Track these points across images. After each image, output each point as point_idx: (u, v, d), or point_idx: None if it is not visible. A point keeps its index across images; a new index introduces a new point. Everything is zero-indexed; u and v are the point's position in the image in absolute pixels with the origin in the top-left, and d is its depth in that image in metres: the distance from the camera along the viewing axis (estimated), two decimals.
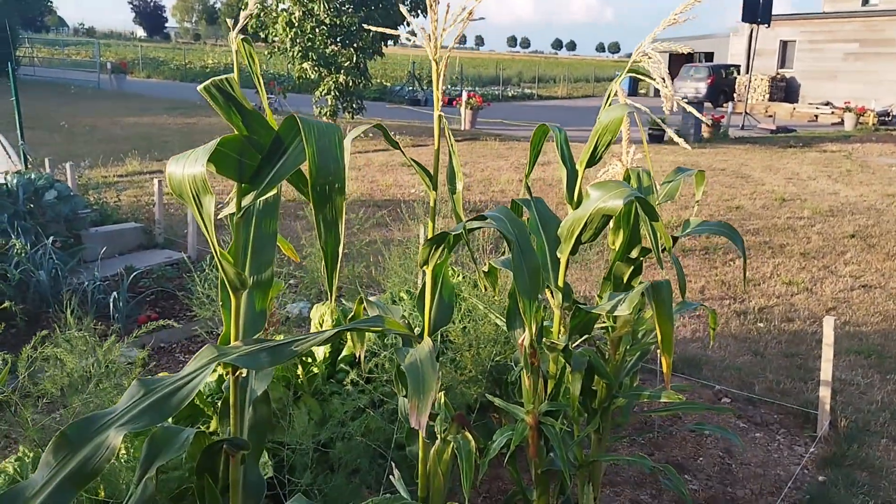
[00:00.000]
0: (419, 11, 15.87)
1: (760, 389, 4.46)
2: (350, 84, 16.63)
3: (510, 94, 33.67)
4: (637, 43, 2.24)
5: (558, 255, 2.32)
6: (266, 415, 1.79)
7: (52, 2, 47.89)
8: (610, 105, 2.25)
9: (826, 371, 3.82)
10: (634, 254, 2.57)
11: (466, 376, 3.20)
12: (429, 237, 1.90)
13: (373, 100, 25.24)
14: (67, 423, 1.61)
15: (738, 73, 29.17)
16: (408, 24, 15.34)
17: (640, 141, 2.48)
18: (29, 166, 7.45)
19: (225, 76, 1.46)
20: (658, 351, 2.15)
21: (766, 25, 21.65)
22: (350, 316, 2.16)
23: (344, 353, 3.28)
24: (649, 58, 2.18)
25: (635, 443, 3.77)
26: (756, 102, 26.80)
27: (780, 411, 4.20)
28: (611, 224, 2.56)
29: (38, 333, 2.67)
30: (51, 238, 5.41)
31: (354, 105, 17.24)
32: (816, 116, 24.67)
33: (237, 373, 1.65)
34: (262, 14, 16.40)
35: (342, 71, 16.41)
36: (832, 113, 24.04)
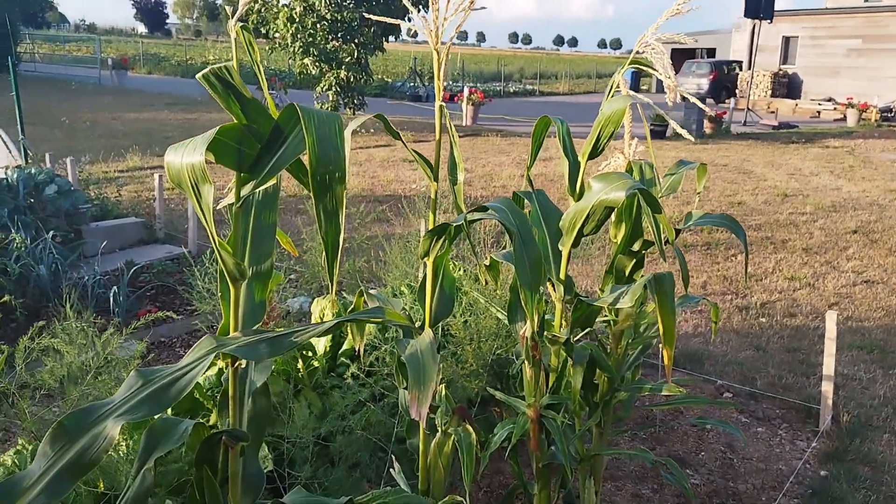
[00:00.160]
0: (420, 6, 15.85)
1: (762, 384, 4.45)
2: (351, 80, 16.61)
3: (512, 91, 33.62)
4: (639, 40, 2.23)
5: (560, 248, 2.31)
6: (265, 407, 1.78)
7: None
8: (613, 97, 2.24)
9: (828, 366, 3.80)
10: (636, 247, 2.56)
11: (467, 370, 3.19)
12: (430, 228, 1.89)
13: (374, 96, 25.18)
14: (65, 414, 1.60)
15: (741, 69, 29.10)
16: (409, 19, 15.34)
17: (642, 137, 2.46)
18: (29, 161, 7.44)
19: (223, 64, 1.44)
20: (660, 345, 2.14)
21: (769, 21, 21.62)
22: (350, 308, 2.15)
23: (344, 346, 3.27)
24: (652, 49, 2.16)
25: (637, 437, 3.76)
26: (758, 98, 26.73)
27: (782, 406, 4.19)
28: (612, 217, 2.55)
29: (36, 324, 2.66)
30: (51, 233, 5.40)
31: (356, 101, 17.21)
32: (819, 112, 24.61)
33: (236, 364, 1.64)
34: (262, 9, 16.37)
35: (343, 66, 16.39)
36: (835, 109, 23.99)
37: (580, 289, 5.55)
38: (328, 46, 16.20)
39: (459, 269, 3.87)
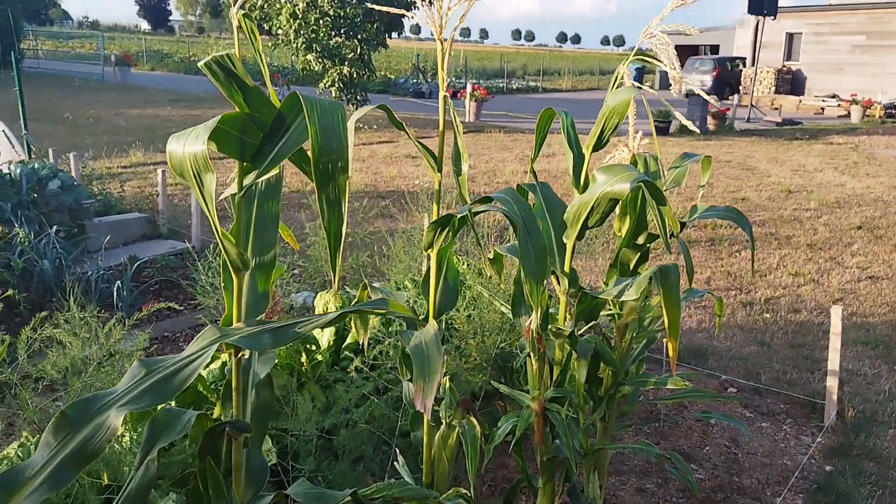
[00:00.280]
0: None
1: (767, 379, 4.43)
2: (354, 76, 16.59)
3: (515, 87, 33.57)
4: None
5: (564, 241, 2.30)
6: (269, 399, 1.77)
7: None
8: (617, 88, 2.22)
9: (833, 360, 3.79)
10: (641, 240, 2.54)
11: (471, 364, 3.18)
12: (433, 220, 1.88)
13: (377, 92, 25.17)
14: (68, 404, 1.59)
15: (744, 66, 29.02)
16: (414, 6, 15.25)
17: (646, 133, 2.45)
18: (33, 156, 7.44)
19: (226, 52, 1.43)
20: (664, 339, 2.13)
21: (772, 17, 21.56)
22: (354, 302, 2.14)
23: (348, 340, 3.27)
24: (658, 40, 2.15)
25: (641, 432, 3.75)
26: (762, 95, 26.66)
27: (787, 401, 4.17)
28: (617, 210, 2.54)
29: (38, 315, 2.66)
30: (54, 227, 5.40)
31: (358, 97, 17.19)
32: (823, 109, 24.55)
33: (239, 355, 1.63)
34: (265, 5, 16.36)
35: (346, 63, 16.37)
36: (838, 105, 23.92)
37: (584, 284, 5.54)
38: (331, 42, 16.17)
39: (463, 264, 3.86)
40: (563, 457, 2.35)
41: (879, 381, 4.44)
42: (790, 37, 28.92)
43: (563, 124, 2.33)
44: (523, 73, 41.51)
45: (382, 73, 29.45)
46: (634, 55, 2.29)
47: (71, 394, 2.44)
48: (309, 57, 16.33)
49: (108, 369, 2.54)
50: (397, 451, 2.40)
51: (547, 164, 11.56)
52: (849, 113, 22.35)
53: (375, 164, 11.55)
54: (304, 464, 2.64)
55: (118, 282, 4.98)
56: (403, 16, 1.87)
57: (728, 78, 28.62)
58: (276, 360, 2.77)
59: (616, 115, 2.16)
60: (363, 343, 2.20)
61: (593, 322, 2.48)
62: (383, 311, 1.74)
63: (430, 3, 1.83)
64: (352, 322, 2.53)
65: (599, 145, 2.26)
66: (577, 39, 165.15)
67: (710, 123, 17.70)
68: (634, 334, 2.58)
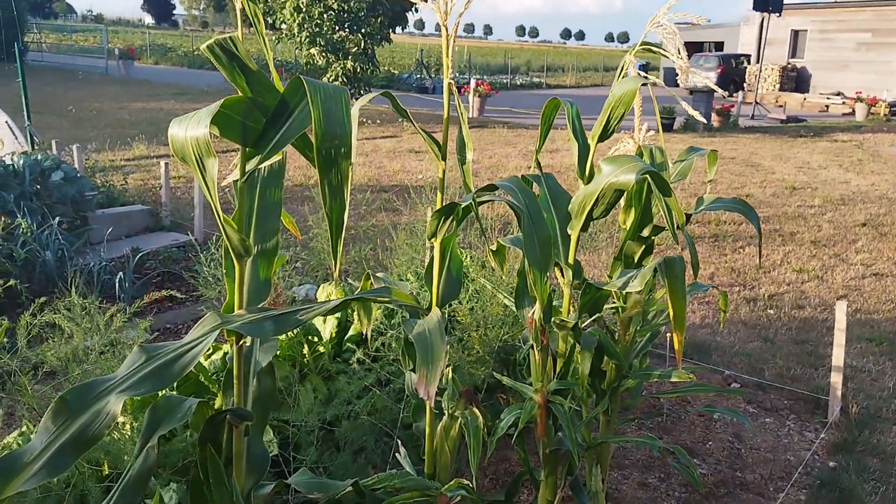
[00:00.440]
0: None
1: (770, 375, 4.41)
2: (358, 70, 16.57)
3: (518, 83, 33.49)
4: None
5: (569, 232, 2.28)
6: (270, 387, 1.76)
7: None
8: (623, 77, 2.20)
9: (837, 356, 3.77)
10: (646, 233, 2.53)
11: (474, 356, 3.17)
12: (437, 209, 1.86)
13: (380, 87, 25.14)
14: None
15: (749, 63, 28.92)
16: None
17: (652, 129, 2.43)
18: (36, 148, 7.44)
19: (228, 35, 1.42)
20: (668, 334, 2.12)
21: (778, 14, 21.44)
22: (357, 292, 2.13)
23: (350, 332, 3.25)
24: (664, 29, 2.13)
25: (644, 426, 3.74)
26: (766, 92, 26.58)
27: (791, 397, 4.16)
28: (622, 202, 2.52)
29: (38, 300, 2.65)
30: (57, 219, 5.39)
31: (362, 92, 17.16)
32: (827, 107, 24.46)
33: (241, 342, 1.61)
34: None
35: (350, 57, 16.34)
36: (843, 103, 23.82)
37: (588, 278, 5.52)
38: (335, 37, 16.15)
39: (466, 257, 3.85)
40: (565, 450, 2.34)
41: (883, 378, 4.42)
42: (795, 34, 28.80)
43: (569, 114, 2.31)
44: (527, 69, 41.42)
45: (386, 69, 29.43)
46: (641, 44, 2.27)
47: (71, 381, 2.43)
48: (313, 51, 16.31)
49: (108, 356, 2.53)
50: (399, 442, 2.39)
51: (550, 160, 11.53)
52: (853, 110, 22.27)
53: (379, 159, 11.54)
54: (305, 455, 2.63)
55: (120, 273, 4.98)
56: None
57: (732, 75, 28.52)
58: (279, 352, 2.76)
59: (622, 104, 2.14)
60: (366, 333, 2.19)
61: (597, 315, 2.46)
62: (386, 300, 1.73)
63: None
64: (354, 312, 2.52)
65: (605, 136, 2.24)
66: (581, 36, 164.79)
67: (715, 120, 17.65)
68: (638, 328, 2.56)
